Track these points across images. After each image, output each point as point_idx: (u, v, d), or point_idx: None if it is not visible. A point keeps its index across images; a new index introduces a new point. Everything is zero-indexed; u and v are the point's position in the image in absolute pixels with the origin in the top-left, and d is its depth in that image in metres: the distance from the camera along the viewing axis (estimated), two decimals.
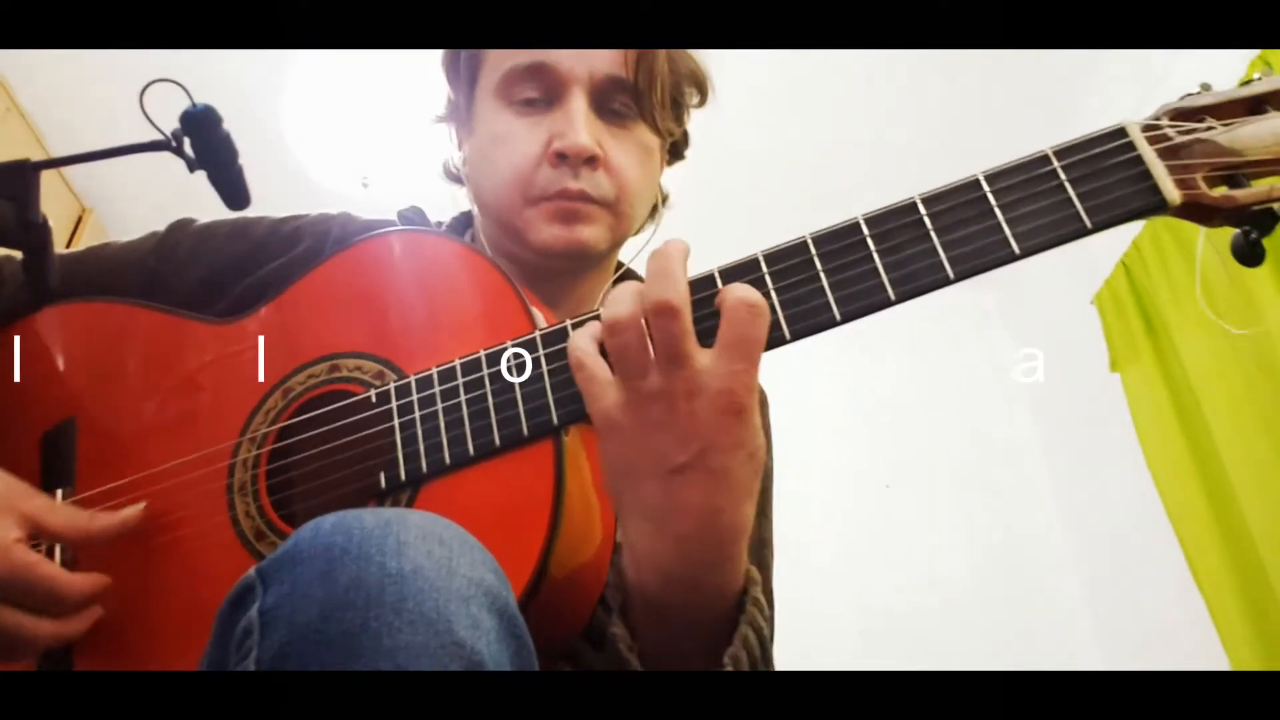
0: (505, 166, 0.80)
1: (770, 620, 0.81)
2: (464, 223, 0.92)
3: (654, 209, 0.92)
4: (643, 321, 0.54)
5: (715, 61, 0.93)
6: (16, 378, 0.80)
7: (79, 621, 0.64)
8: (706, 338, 0.55)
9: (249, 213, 0.85)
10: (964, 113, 2.79)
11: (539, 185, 0.78)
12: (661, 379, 0.54)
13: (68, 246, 2.75)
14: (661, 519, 0.56)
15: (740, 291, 0.55)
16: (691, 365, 0.53)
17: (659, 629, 0.59)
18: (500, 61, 0.82)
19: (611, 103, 0.80)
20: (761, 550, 0.83)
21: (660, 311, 0.53)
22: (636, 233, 0.93)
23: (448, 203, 0.94)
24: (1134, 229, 2.50)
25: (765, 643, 0.60)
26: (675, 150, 0.95)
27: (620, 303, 0.55)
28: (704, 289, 0.58)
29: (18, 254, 0.76)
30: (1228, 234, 0.60)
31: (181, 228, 0.88)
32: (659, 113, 0.82)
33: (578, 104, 0.78)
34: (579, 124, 0.77)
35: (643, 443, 0.55)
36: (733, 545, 0.58)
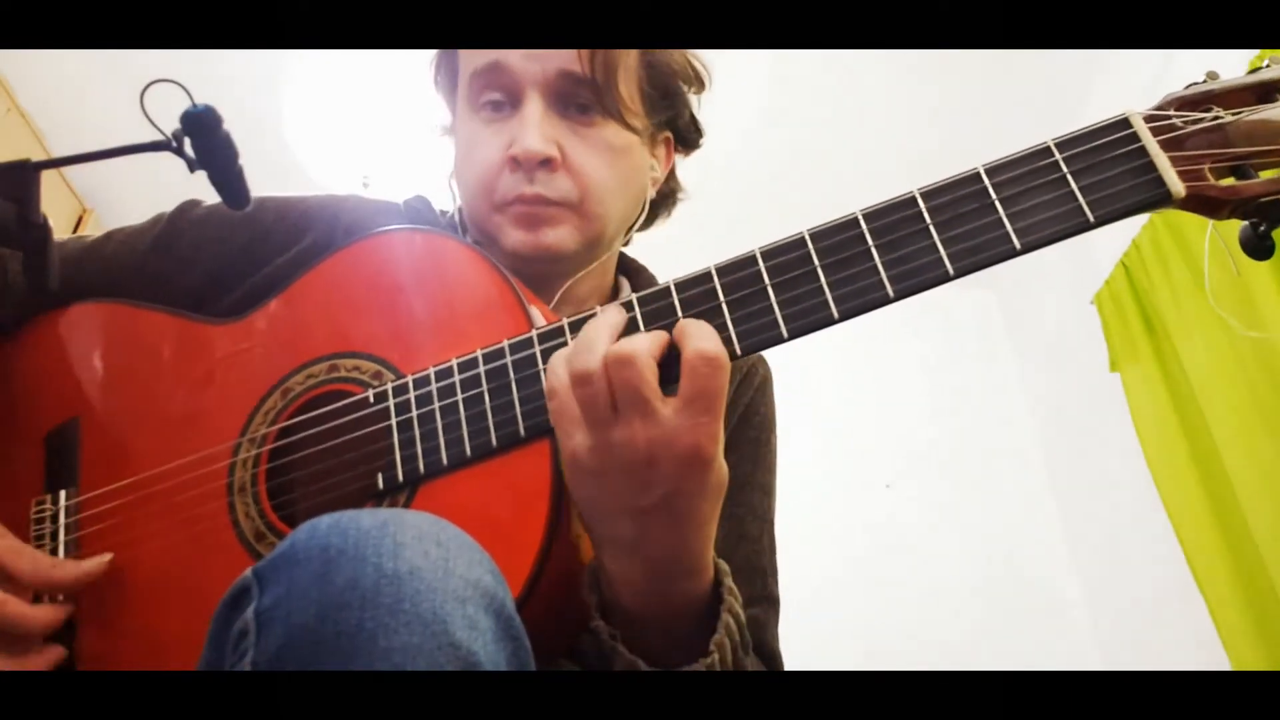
0: (472, 174, 0.80)
1: (775, 601, 0.81)
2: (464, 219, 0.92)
3: (643, 207, 0.90)
4: (606, 374, 0.54)
5: (715, 62, 0.92)
6: (20, 379, 0.80)
7: (36, 659, 0.66)
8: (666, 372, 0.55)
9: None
10: (964, 113, 2.79)
11: (500, 191, 0.78)
12: (625, 429, 0.54)
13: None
14: (631, 548, 0.57)
15: (698, 343, 0.54)
16: (654, 417, 0.53)
17: (638, 633, 0.60)
18: (468, 67, 0.82)
19: (574, 99, 0.79)
20: (764, 525, 0.84)
21: (620, 362, 0.54)
22: (643, 227, 0.93)
23: (448, 202, 0.94)
24: (1135, 227, 2.49)
25: (743, 628, 0.62)
26: (685, 140, 0.94)
27: (588, 353, 0.55)
28: (662, 299, 0.59)
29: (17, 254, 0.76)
30: (1236, 227, 0.58)
31: (183, 215, 0.86)
32: (624, 107, 0.81)
33: (532, 107, 0.78)
34: (530, 127, 0.77)
35: (609, 484, 0.55)
36: (700, 560, 0.59)
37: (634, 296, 0.60)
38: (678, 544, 0.57)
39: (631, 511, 0.56)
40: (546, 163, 0.77)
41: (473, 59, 0.81)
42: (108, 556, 0.69)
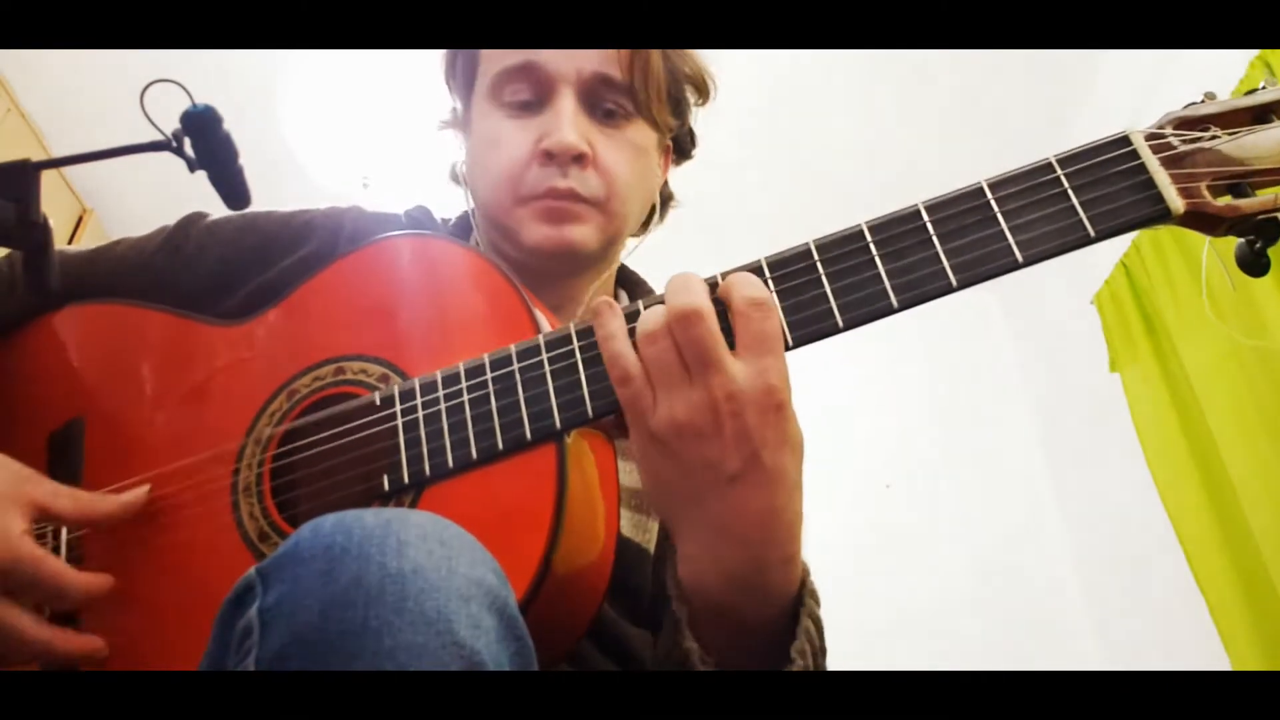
0: (496, 168, 0.80)
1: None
2: (468, 223, 0.92)
3: (654, 208, 0.91)
4: (672, 334, 0.54)
5: (715, 62, 0.92)
6: (23, 379, 0.80)
7: (76, 642, 0.64)
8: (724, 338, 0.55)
9: (254, 209, 0.84)
10: (964, 113, 2.79)
11: (528, 185, 0.78)
12: (698, 386, 0.54)
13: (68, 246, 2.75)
14: (724, 527, 0.56)
15: (745, 290, 0.55)
16: (726, 368, 0.53)
17: (727, 632, 0.58)
18: (492, 64, 0.82)
19: (603, 102, 0.80)
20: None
21: (684, 318, 0.54)
22: (638, 234, 0.93)
23: (448, 202, 0.94)
24: None
25: (822, 632, 0.61)
26: (681, 149, 0.95)
27: (651, 314, 0.55)
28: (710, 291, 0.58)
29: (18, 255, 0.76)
30: (1232, 243, 0.59)
31: (192, 223, 0.87)
32: (656, 108, 0.82)
33: (565, 103, 0.78)
34: (566, 122, 0.77)
35: (694, 457, 0.55)
36: (794, 542, 0.58)
37: (640, 303, 0.60)
38: (770, 514, 0.55)
39: (719, 483, 0.54)
40: (579, 158, 0.77)
41: (501, 56, 0.81)
42: (146, 488, 0.68)
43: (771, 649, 0.58)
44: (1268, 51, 1.90)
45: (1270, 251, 0.58)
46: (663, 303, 0.58)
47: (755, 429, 0.54)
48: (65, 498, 0.66)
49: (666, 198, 0.95)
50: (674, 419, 0.54)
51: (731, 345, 0.55)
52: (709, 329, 0.54)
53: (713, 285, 0.58)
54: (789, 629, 0.58)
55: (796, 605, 0.59)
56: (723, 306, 0.57)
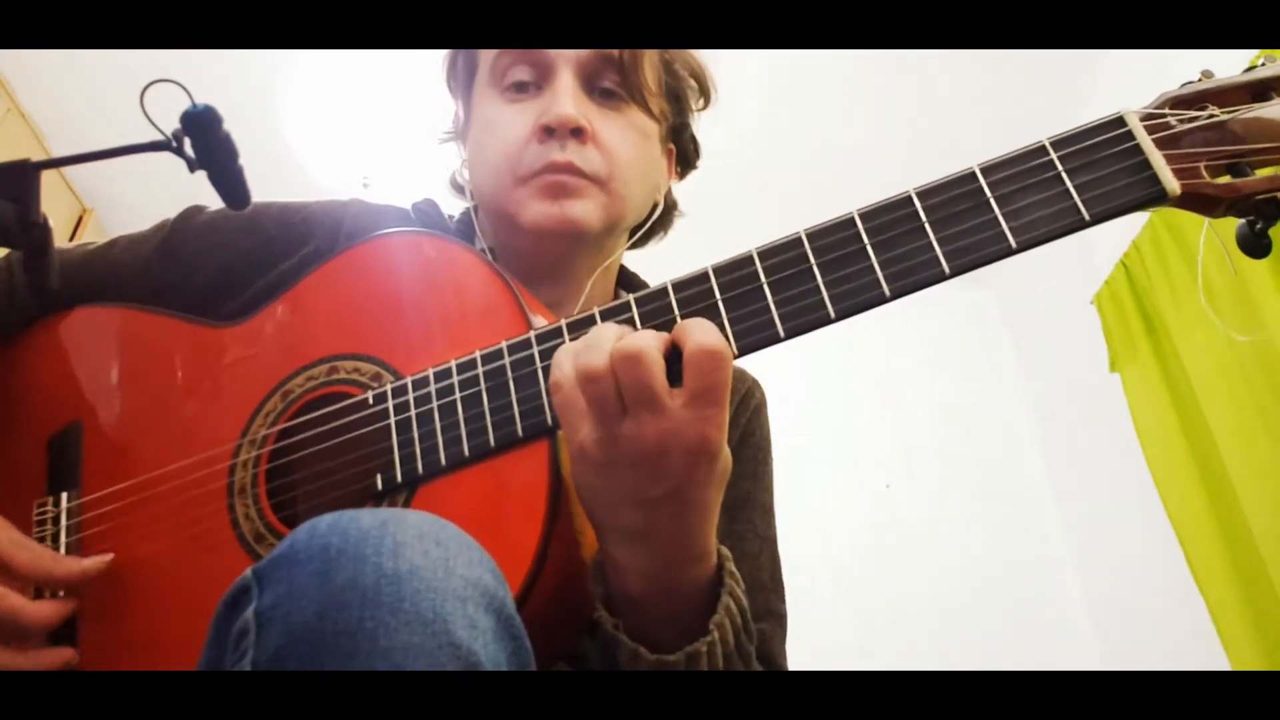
0: (495, 149, 0.80)
1: (780, 617, 0.82)
2: (471, 221, 0.92)
3: (655, 208, 0.90)
4: (613, 371, 0.54)
5: (714, 62, 0.92)
6: (22, 383, 0.80)
7: (43, 657, 0.66)
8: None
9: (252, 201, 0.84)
10: (964, 113, 2.79)
11: (527, 162, 0.78)
12: (634, 424, 0.54)
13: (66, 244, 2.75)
14: (638, 536, 0.58)
15: (701, 338, 0.54)
16: (664, 412, 0.53)
17: (643, 620, 0.60)
18: (492, 54, 0.83)
19: (601, 82, 0.81)
20: (764, 543, 0.84)
21: (629, 360, 0.53)
22: (639, 241, 0.92)
23: (447, 206, 0.94)
24: (1134, 227, 2.50)
25: (744, 611, 0.62)
26: (685, 159, 0.95)
27: (596, 351, 0.55)
28: (659, 299, 0.59)
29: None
30: (1232, 225, 0.57)
31: (187, 223, 0.87)
32: (648, 93, 0.82)
33: (564, 82, 0.79)
34: (565, 97, 0.78)
35: (617, 475, 0.55)
36: (706, 544, 0.60)
37: (631, 297, 0.60)
38: (685, 531, 0.58)
39: (639, 501, 0.56)
40: (578, 133, 0.77)
41: None
42: (109, 556, 0.69)
43: (688, 631, 0.60)
44: (1268, 51, 1.90)
45: (1272, 232, 0.56)
46: (624, 309, 0.59)
47: (682, 469, 0.54)
48: (26, 552, 0.67)
49: (671, 205, 0.94)
50: (601, 444, 0.55)
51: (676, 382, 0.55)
52: (646, 370, 0.53)
53: (661, 293, 0.58)
54: (710, 609, 0.60)
55: (715, 588, 0.61)
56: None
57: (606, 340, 0.55)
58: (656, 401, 0.53)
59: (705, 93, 0.91)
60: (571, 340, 0.60)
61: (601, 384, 0.54)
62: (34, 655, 0.65)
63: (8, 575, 0.67)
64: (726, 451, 0.57)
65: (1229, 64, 0.63)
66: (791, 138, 2.91)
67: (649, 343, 0.54)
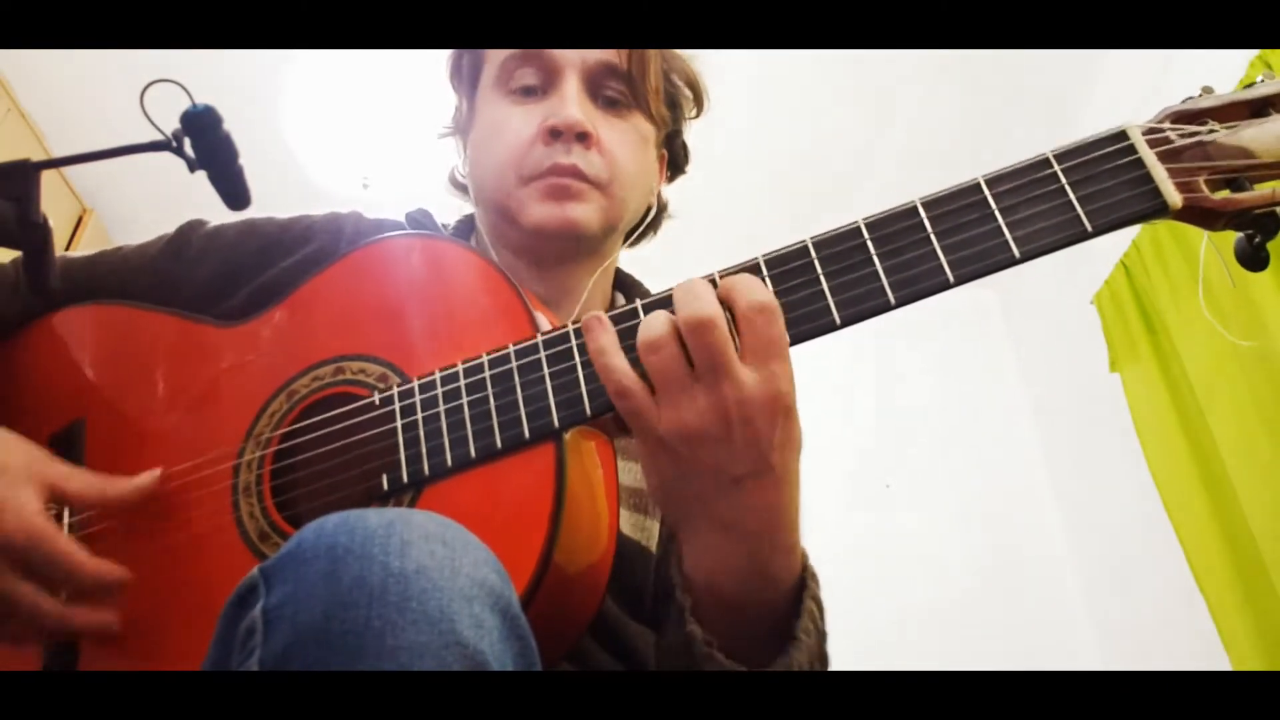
0: (500, 150, 0.81)
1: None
2: (469, 226, 0.93)
3: (648, 211, 0.91)
4: (677, 339, 0.54)
5: (713, 62, 0.93)
6: (25, 380, 0.80)
7: (89, 614, 0.64)
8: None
9: (254, 213, 0.85)
10: (964, 114, 2.79)
11: (531, 164, 0.79)
12: (708, 393, 0.54)
13: (68, 247, 2.75)
14: (731, 526, 0.57)
15: (749, 295, 0.54)
16: (737, 374, 0.54)
17: (734, 623, 0.59)
18: (500, 53, 0.84)
19: (605, 89, 0.82)
20: None
21: (698, 326, 0.53)
22: (632, 242, 0.93)
23: (448, 207, 0.95)
24: (1135, 228, 2.49)
25: (823, 612, 0.62)
26: (675, 164, 0.96)
27: (652, 322, 0.55)
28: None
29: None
30: (1231, 238, 0.59)
31: (192, 229, 0.88)
32: (652, 98, 0.84)
33: (571, 86, 0.80)
34: (571, 102, 0.79)
35: (702, 461, 0.55)
36: (795, 531, 0.59)
37: (639, 303, 0.60)
38: (776, 510, 0.57)
39: (725, 484, 0.55)
40: (584, 137, 0.79)
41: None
42: (158, 471, 0.68)
43: (775, 631, 0.59)
44: (1268, 51, 1.90)
45: (1270, 246, 0.58)
46: (660, 305, 0.58)
47: (764, 434, 0.54)
48: (77, 479, 0.67)
49: (661, 207, 0.95)
50: (683, 425, 0.54)
51: (736, 349, 0.55)
52: (722, 336, 0.53)
53: (710, 283, 0.58)
54: (793, 610, 0.60)
55: (799, 588, 0.61)
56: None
57: (661, 315, 0.55)
58: (730, 365, 0.53)
59: (699, 101, 0.93)
60: (579, 345, 0.61)
61: (666, 350, 0.54)
62: (84, 613, 0.63)
63: (67, 503, 0.66)
64: (798, 411, 0.56)
65: (1229, 64, 0.63)
66: (791, 138, 2.91)
67: (715, 306, 0.54)
